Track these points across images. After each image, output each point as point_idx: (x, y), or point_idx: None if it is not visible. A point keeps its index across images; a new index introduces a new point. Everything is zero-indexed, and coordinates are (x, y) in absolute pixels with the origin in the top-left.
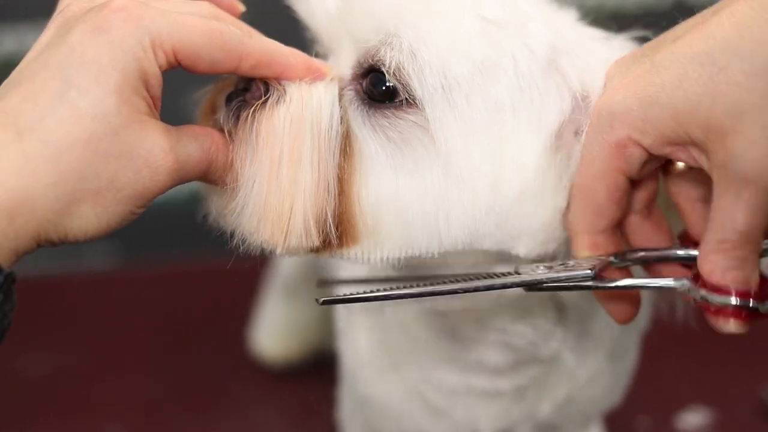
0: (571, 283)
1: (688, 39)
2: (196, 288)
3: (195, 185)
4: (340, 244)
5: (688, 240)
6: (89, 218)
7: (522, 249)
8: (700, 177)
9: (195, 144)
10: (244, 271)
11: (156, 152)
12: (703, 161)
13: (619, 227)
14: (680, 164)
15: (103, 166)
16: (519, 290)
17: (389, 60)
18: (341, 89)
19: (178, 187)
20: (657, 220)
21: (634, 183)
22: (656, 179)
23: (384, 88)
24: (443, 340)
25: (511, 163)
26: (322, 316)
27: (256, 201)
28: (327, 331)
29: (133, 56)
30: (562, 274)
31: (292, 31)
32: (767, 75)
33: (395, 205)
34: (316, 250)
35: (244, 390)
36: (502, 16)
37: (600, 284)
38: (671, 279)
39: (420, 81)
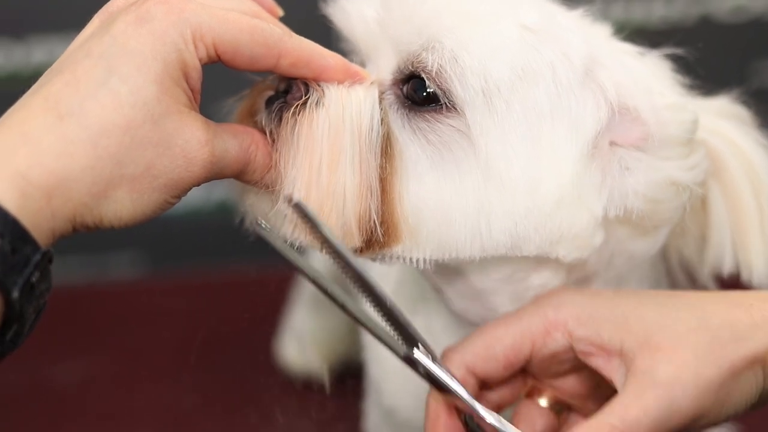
0: (442, 384)
1: (661, 292)
2: (222, 298)
3: (221, 196)
4: (384, 244)
5: None
6: (125, 204)
7: (561, 252)
8: (550, 419)
9: (234, 141)
10: (272, 282)
11: (193, 143)
12: (617, 374)
13: (483, 392)
14: (543, 401)
15: (140, 153)
16: None
17: (431, 63)
18: (381, 93)
19: (205, 197)
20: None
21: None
22: (520, 392)
23: (425, 93)
24: None
25: (548, 168)
26: (350, 327)
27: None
28: (354, 343)
29: (175, 47)
30: (440, 375)
31: (327, 43)
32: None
33: (436, 207)
34: (359, 250)
35: (271, 400)
36: (541, 25)
37: (470, 400)
38: None
39: (462, 84)
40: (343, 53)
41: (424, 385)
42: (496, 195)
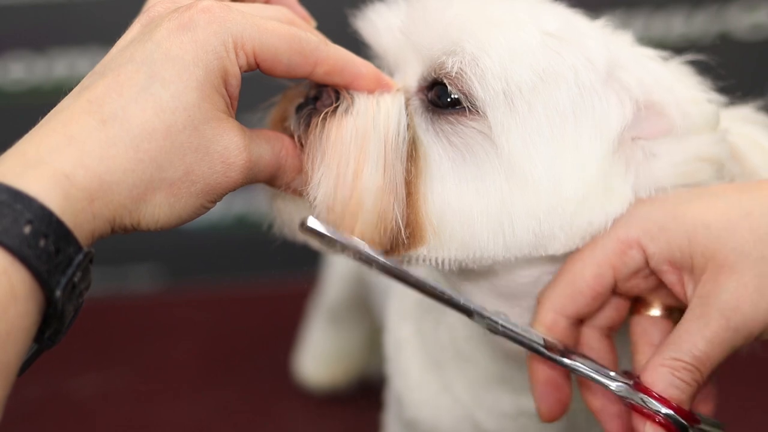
0: (524, 339)
1: (726, 186)
2: (240, 312)
3: (240, 210)
4: (409, 246)
5: (628, 376)
6: (162, 207)
7: None
8: (665, 327)
9: (267, 146)
10: (290, 296)
11: (232, 149)
12: (688, 288)
13: (578, 327)
14: (654, 311)
15: (180, 158)
16: None
17: (451, 66)
18: (407, 99)
19: (224, 211)
20: (610, 347)
21: (610, 298)
22: (627, 309)
23: (448, 99)
24: (495, 359)
25: (573, 166)
26: (367, 341)
27: (322, 204)
28: (371, 357)
29: (216, 55)
30: (518, 329)
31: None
32: None
33: (459, 208)
34: (384, 253)
35: (289, 414)
36: (562, 31)
37: (548, 353)
38: (613, 376)
39: (482, 86)
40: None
41: (444, 399)
42: (519, 194)
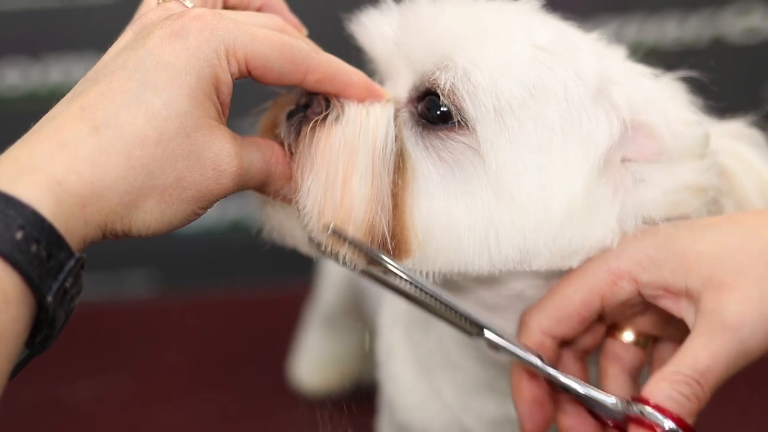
0: (522, 356)
1: (715, 218)
2: (235, 317)
3: (235, 215)
4: (395, 257)
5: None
6: (154, 214)
7: (575, 264)
8: (637, 355)
9: (258, 153)
10: (285, 301)
11: (223, 156)
12: (687, 313)
13: (561, 348)
14: (627, 337)
15: (171, 165)
16: None
17: (444, 82)
18: (396, 110)
19: (219, 217)
20: (582, 369)
21: (594, 322)
22: (603, 335)
23: (438, 112)
24: (483, 366)
25: (559, 183)
26: (362, 347)
27: (311, 212)
28: (366, 362)
29: (208, 63)
30: (517, 349)
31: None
32: None
33: (445, 222)
34: (371, 263)
35: (284, 419)
36: (553, 45)
37: (548, 369)
38: (607, 395)
39: (473, 102)
40: (367, 74)
41: (434, 403)
42: (507, 210)
